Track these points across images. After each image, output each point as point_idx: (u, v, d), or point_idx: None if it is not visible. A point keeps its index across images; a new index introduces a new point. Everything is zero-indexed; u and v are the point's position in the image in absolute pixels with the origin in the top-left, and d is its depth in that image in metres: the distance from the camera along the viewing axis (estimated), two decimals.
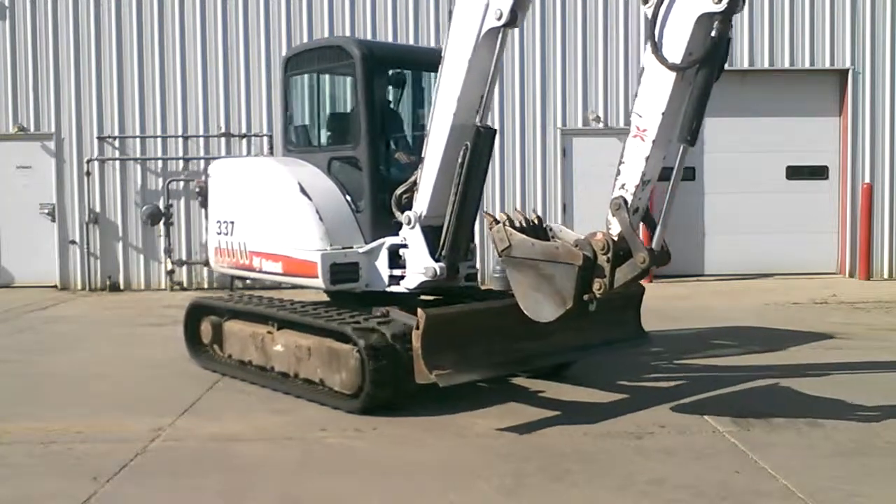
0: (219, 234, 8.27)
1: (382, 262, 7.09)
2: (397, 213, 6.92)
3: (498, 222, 5.84)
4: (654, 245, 5.52)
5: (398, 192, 6.92)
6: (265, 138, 13.94)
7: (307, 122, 8.33)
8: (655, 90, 5.44)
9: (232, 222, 8.08)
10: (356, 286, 7.20)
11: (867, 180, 14.19)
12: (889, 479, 5.10)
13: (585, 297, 5.50)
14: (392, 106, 8.05)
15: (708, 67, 5.26)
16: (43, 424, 6.32)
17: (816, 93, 14.45)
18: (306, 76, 8.19)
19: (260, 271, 7.73)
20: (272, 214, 7.59)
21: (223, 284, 13.87)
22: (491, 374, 6.64)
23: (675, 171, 5.74)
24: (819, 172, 14.60)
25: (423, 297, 7.18)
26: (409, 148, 7.85)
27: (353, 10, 14.01)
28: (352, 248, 7.21)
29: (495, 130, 6.69)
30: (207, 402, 6.92)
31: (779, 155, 14.42)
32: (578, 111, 14.01)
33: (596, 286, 5.48)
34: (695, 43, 5.25)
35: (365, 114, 7.26)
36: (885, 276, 14.34)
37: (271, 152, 13.87)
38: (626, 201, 5.60)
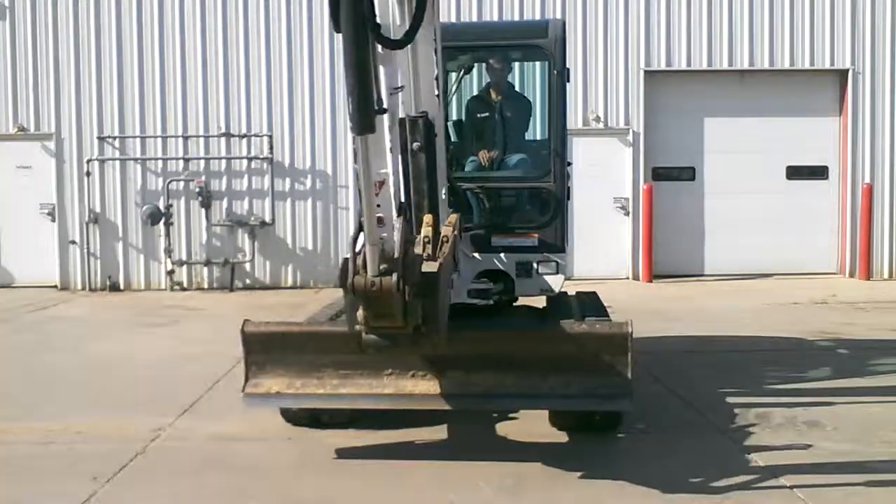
0: None
1: None
2: None
3: None
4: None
5: None
6: (265, 138, 13.93)
7: None
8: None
9: None
10: None
11: (867, 180, 14.17)
12: (888, 479, 5.10)
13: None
14: None
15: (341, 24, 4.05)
16: (43, 424, 6.32)
17: (816, 93, 14.42)
18: None
19: None
20: None
21: (223, 284, 13.89)
22: (327, 406, 5.87)
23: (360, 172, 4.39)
24: (819, 172, 14.58)
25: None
26: None
27: None
28: None
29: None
30: (207, 402, 6.92)
31: (779, 155, 14.39)
32: (578, 111, 14.01)
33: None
34: None
35: None
36: (885, 276, 14.31)
37: (271, 152, 13.87)
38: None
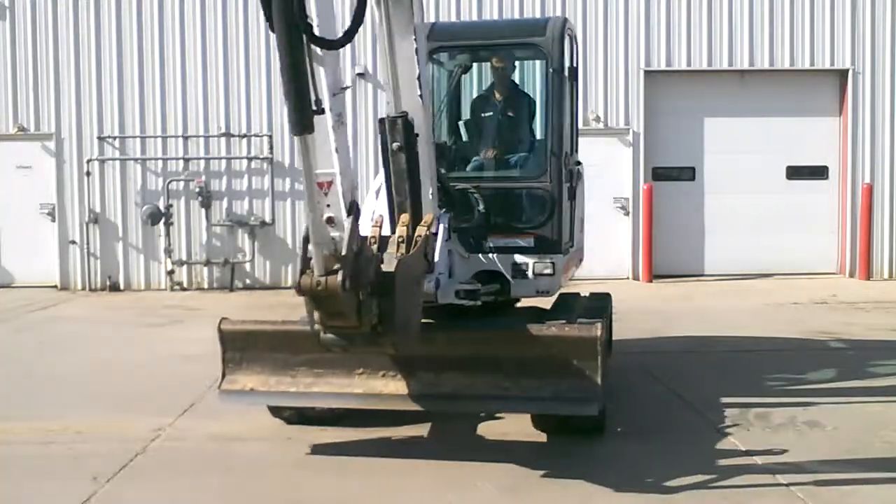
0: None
1: None
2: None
3: None
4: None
5: None
6: (265, 138, 13.93)
7: None
8: None
9: None
10: None
11: (867, 180, 14.17)
12: (888, 478, 5.11)
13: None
14: None
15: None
16: (43, 424, 6.32)
17: (816, 93, 14.41)
18: None
19: None
20: None
21: (223, 284, 13.89)
22: (296, 404, 5.97)
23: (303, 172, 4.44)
24: (819, 172, 14.58)
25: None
26: None
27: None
28: None
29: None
30: (207, 402, 6.92)
31: (779, 155, 14.38)
32: (579, 111, 13.98)
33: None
34: None
35: None
36: (885, 276, 14.31)
37: (271, 152, 13.87)
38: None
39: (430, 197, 5.88)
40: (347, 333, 4.59)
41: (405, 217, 5.26)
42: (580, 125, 13.41)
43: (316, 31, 4.19)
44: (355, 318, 4.44)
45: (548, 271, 6.55)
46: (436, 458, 5.52)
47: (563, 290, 7.06)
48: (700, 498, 4.81)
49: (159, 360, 8.54)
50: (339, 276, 4.23)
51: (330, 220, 4.39)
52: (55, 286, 14.04)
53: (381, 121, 5.58)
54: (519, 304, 7.14)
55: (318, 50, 4.26)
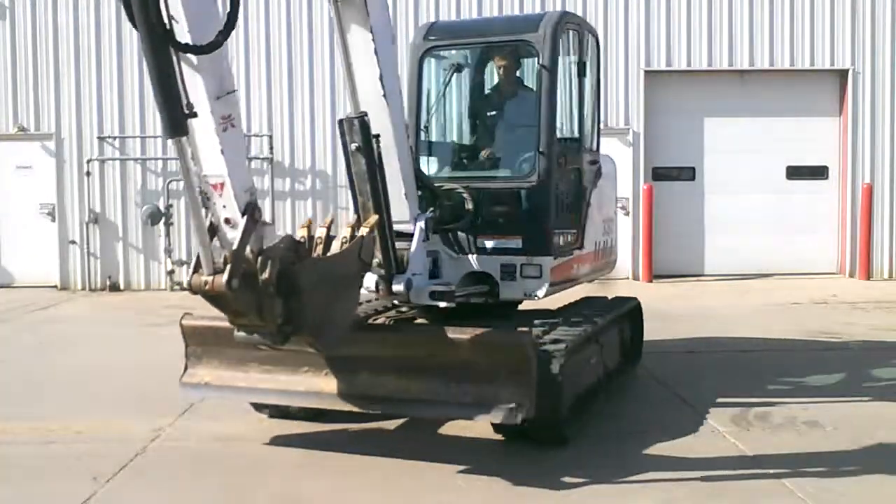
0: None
1: None
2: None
3: None
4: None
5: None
6: (265, 138, 13.93)
7: None
8: None
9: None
10: None
11: (867, 180, 14.18)
12: (887, 477, 5.11)
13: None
14: None
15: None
16: (43, 424, 6.32)
17: (816, 93, 14.43)
18: None
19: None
20: None
21: None
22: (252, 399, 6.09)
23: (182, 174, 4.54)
24: (819, 172, 14.59)
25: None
26: None
27: None
28: None
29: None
30: (207, 402, 6.90)
31: (779, 155, 14.40)
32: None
33: None
34: None
35: None
36: (885, 276, 14.32)
37: (271, 152, 13.87)
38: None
39: (405, 197, 5.83)
40: (257, 331, 4.67)
41: (353, 219, 5.31)
42: None
43: (187, 37, 4.16)
44: (256, 316, 4.51)
45: (534, 273, 6.32)
46: (434, 458, 5.52)
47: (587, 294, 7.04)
48: (700, 498, 4.81)
49: (159, 360, 8.51)
50: (225, 276, 4.27)
51: (227, 221, 4.45)
52: (55, 286, 14.05)
53: (341, 122, 5.57)
54: (526, 306, 6.92)
55: (193, 57, 4.25)
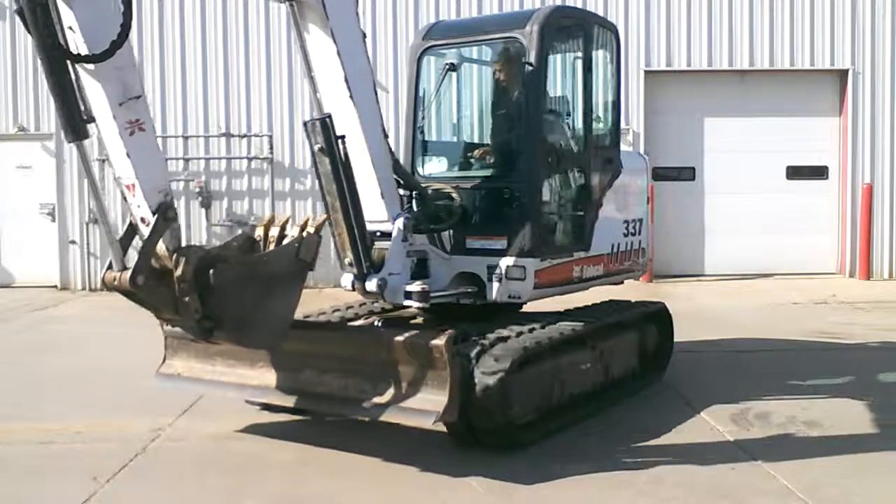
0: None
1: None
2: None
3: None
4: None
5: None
6: (265, 138, 13.93)
7: None
8: None
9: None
10: None
11: (867, 180, 14.18)
12: (887, 477, 5.11)
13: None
14: None
15: None
16: (43, 424, 6.33)
17: (816, 93, 14.43)
18: None
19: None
20: None
21: None
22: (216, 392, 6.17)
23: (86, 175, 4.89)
24: (819, 172, 14.59)
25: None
26: None
27: None
28: None
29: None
30: (207, 402, 6.91)
31: (779, 155, 14.40)
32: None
33: None
34: None
35: None
36: (885, 276, 14.32)
37: (271, 152, 13.87)
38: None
39: (382, 197, 5.81)
40: (179, 325, 4.96)
41: (307, 219, 5.38)
42: None
43: (84, 47, 4.34)
44: (172, 311, 4.73)
45: (517, 275, 6.17)
46: (432, 458, 5.51)
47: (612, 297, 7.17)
48: (699, 497, 4.81)
49: (159, 360, 8.51)
50: (130, 272, 4.53)
51: (143, 220, 4.68)
52: (55, 286, 14.05)
53: (305, 124, 5.63)
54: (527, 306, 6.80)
55: (92, 66, 4.41)
